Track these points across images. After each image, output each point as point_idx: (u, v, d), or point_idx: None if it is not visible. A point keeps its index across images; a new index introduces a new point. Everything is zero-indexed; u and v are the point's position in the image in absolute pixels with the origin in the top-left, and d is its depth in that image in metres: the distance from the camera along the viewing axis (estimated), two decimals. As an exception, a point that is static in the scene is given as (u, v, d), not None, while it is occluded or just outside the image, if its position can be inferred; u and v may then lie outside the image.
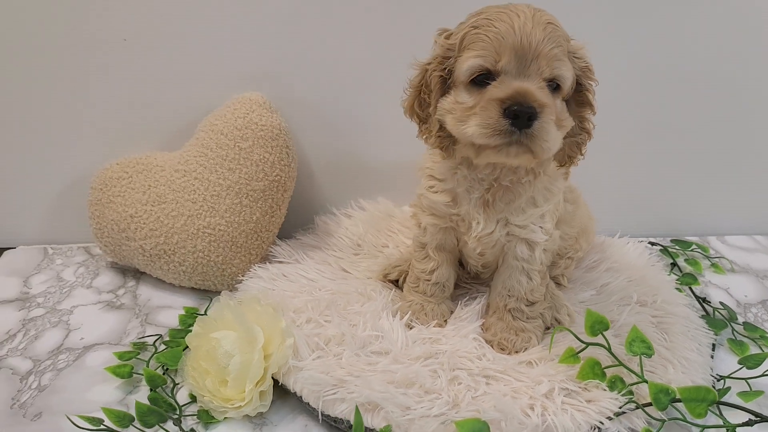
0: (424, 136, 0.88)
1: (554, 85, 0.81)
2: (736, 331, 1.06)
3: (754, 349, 1.01)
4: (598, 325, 0.88)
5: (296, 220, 1.30)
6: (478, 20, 0.80)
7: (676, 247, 1.31)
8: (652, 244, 1.31)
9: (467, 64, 0.79)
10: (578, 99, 0.86)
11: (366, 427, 0.83)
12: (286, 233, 1.25)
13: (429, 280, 1.01)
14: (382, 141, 1.28)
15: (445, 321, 1.01)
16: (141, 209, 1.14)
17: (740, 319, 1.10)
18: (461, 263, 1.07)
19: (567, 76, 0.80)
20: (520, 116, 0.75)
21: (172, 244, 1.13)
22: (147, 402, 0.87)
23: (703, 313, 1.10)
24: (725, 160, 1.33)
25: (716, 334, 1.04)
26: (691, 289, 1.16)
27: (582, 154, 0.89)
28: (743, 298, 1.18)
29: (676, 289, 1.12)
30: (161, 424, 0.82)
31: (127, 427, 0.81)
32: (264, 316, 0.93)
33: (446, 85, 0.84)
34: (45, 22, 1.15)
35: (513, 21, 0.77)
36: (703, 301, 1.13)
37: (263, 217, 1.14)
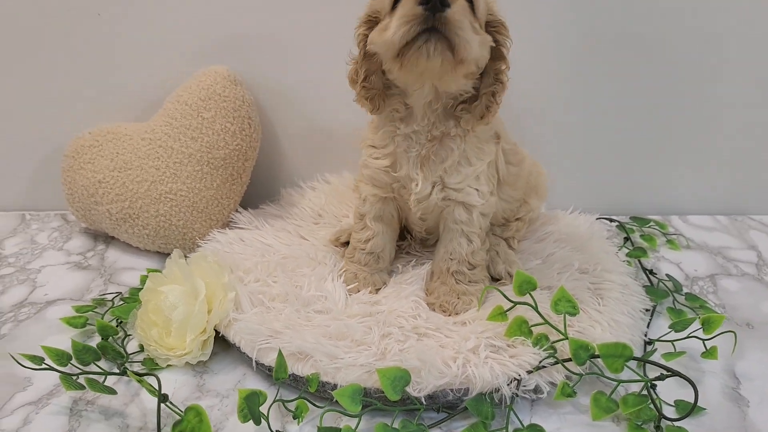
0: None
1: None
2: (677, 301, 1.08)
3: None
4: (526, 285, 0.91)
5: (264, 192, 1.35)
6: None
7: (634, 224, 1.33)
8: (611, 220, 1.33)
9: None
10: (494, 54, 0.90)
11: (295, 375, 0.87)
12: (253, 205, 1.29)
13: (364, 249, 1.05)
14: (350, 116, 1.31)
15: (377, 290, 1.04)
16: (108, 175, 1.19)
17: (685, 291, 1.12)
18: (407, 231, 1.11)
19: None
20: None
21: (136, 209, 1.18)
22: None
23: (648, 284, 1.12)
24: (691, 141, 1.35)
25: (655, 302, 1.06)
26: (639, 261, 1.18)
27: (498, 104, 0.92)
28: (693, 272, 1.20)
29: (626, 262, 1.15)
30: (96, 362, 0.87)
31: (66, 365, 0.86)
32: (209, 271, 0.98)
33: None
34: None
35: None
36: (650, 272, 1.15)
37: (224, 184, 1.19)
